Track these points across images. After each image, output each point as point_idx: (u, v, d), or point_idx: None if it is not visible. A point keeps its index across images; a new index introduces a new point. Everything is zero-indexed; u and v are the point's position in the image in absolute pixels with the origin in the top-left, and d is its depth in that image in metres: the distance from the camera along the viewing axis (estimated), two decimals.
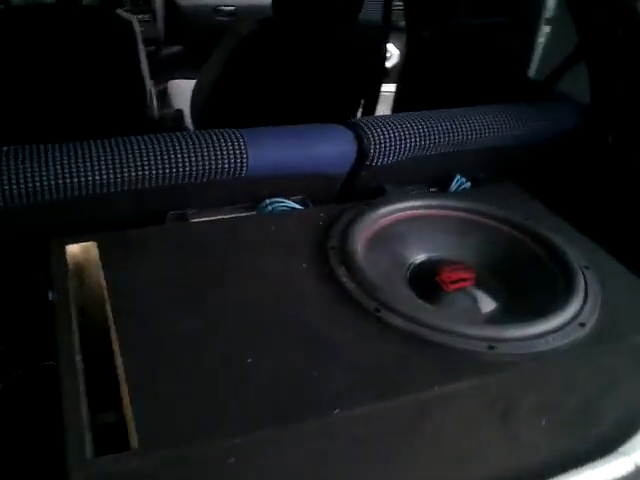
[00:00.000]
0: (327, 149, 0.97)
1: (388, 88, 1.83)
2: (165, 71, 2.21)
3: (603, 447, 0.86)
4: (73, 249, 0.82)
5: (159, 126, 1.83)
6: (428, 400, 0.68)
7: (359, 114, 1.82)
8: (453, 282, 0.86)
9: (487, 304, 0.87)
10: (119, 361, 0.67)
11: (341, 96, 1.73)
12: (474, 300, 0.87)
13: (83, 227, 0.85)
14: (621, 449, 0.87)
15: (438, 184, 1.11)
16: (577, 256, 0.89)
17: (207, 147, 0.88)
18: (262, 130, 0.95)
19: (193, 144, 0.88)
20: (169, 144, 0.86)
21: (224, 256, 0.83)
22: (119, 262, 0.80)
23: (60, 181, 0.81)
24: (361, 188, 1.04)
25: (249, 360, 0.68)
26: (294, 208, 0.97)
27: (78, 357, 0.66)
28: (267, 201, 0.96)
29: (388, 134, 0.99)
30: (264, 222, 0.90)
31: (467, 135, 1.04)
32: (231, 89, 1.57)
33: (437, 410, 0.70)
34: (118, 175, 0.84)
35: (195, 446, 0.59)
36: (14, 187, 0.79)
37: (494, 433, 0.77)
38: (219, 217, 0.93)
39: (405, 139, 1.00)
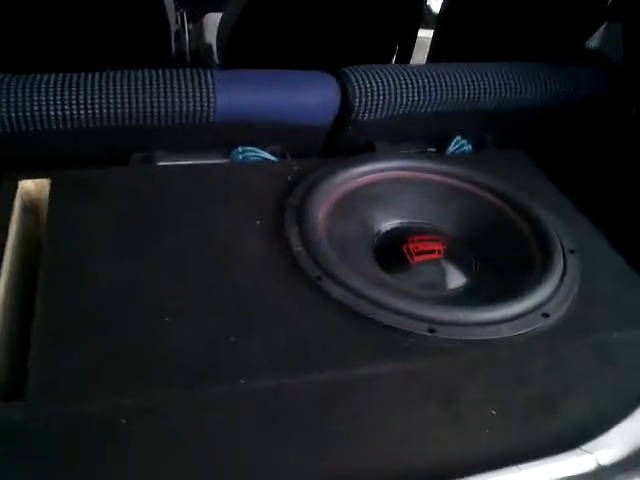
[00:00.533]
0: (306, 98, 0.90)
1: (426, 34, 1.70)
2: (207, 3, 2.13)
3: (565, 444, 0.79)
4: (27, 185, 0.81)
5: (183, 61, 1.78)
6: (354, 379, 0.64)
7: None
8: (419, 253, 0.80)
9: (455, 280, 0.80)
10: (37, 305, 0.65)
11: (373, 40, 1.62)
12: (441, 275, 0.80)
13: (46, 164, 0.83)
14: (584, 447, 0.80)
15: (438, 144, 1.03)
16: (566, 238, 0.80)
17: (172, 87, 0.83)
18: (236, 73, 0.88)
19: (157, 83, 0.83)
20: (131, 82, 0.82)
21: (177, 205, 0.79)
22: (67, 202, 0.77)
23: (15, 114, 0.79)
24: (348, 143, 0.96)
25: (167, 319, 0.65)
26: (267, 159, 0.91)
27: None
28: (240, 149, 0.91)
29: (377, 87, 0.91)
30: (229, 172, 0.85)
31: (467, 94, 0.95)
32: (253, 28, 1.50)
33: (365, 391, 0.65)
34: (74, 111, 0.80)
35: (85, 402, 0.57)
36: None
37: (435, 420, 0.71)
38: (186, 162, 0.89)
39: (395, 93, 0.91)
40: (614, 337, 0.71)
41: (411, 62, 1.71)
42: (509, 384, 0.71)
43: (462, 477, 0.73)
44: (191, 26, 2.08)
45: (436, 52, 1.64)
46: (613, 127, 0.99)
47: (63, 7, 1.30)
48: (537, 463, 0.77)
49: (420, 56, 1.73)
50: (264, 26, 1.48)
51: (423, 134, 1.00)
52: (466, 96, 0.95)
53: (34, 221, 0.82)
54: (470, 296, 0.77)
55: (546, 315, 0.70)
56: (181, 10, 1.87)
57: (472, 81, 0.95)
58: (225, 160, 0.92)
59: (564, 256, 0.78)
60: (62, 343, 0.61)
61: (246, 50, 1.52)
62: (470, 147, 1.01)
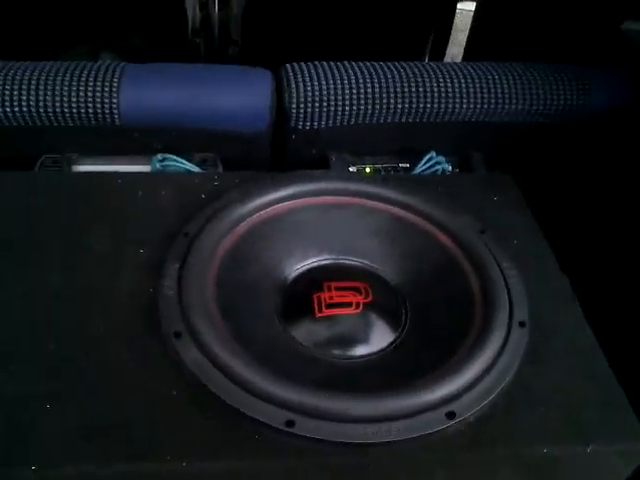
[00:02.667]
0: (231, 100, 0.76)
1: (466, 6, 1.48)
2: None
3: None
4: None
5: (210, 31, 1.66)
6: (175, 476, 0.51)
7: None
8: (331, 305, 0.65)
9: (370, 344, 0.65)
10: None
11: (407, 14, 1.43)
12: (353, 336, 0.66)
13: None
14: None
15: (412, 159, 0.86)
16: (521, 304, 0.63)
17: (69, 84, 0.71)
18: (148, 67, 0.75)
19: (55, 77, 0.71)
20: (26, 74, 0.71)
21: (58, 221, 0.69)
22: None
23: None
24: (297, 155, 0.81)
25: None
26: (189, 170, 0.78)
27: None
28: (159, 156, 0.78)
29: (319, 90, 0.75)
30: (136, 184, 0.73)
31: (438, 102, 0.76)
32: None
33: None
34: None
35: None
36: None
37: None
38: (99, 168, 0.78)
39: (344, 100, 0.75)
40: (545, 454, 0.53)
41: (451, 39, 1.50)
42: None
43: None
44: None
45: (479, 28, 1.42)
46: (631, 146, 0.78)
47: None
48: None
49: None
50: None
51: (390, 147, 0.83)
52: (435, 104, 0.77)
53: None
54: (380, 368, 0.62)
55: (451, 415, 0.53)
56: None
57: (445, 86, 0.77)
58: (146, 168, 0.80)
59: (508, 330, 0.60)
60: None
61: (263, 20, 1.38)
62: (447, 166, 0.83)
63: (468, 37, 1.46)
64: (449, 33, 1.47)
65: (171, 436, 0.51)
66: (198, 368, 0.55)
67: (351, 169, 0.83)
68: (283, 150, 0.82)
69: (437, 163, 0.83)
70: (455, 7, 1.47)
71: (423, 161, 0.83)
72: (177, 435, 0.51)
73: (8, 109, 0.72)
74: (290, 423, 0.52)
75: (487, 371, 0.57)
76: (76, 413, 0.52)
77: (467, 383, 0.55)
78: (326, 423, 0.52)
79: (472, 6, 1.50)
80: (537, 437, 0.54)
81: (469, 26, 1.48)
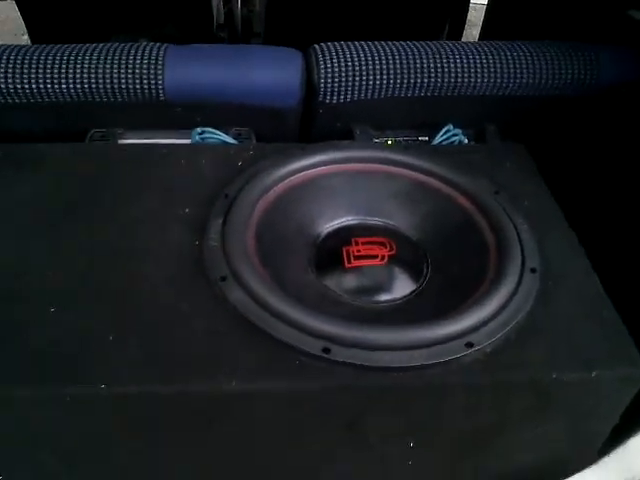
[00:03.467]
0: (265, 77, 0.83)
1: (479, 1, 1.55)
2: None
3: None
4: None
5: (233, 27, 1.74)
6: (227, 395, 0.58)
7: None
8: (358, 257, 0.72)
9: (396, 291, 0.72)
10: None
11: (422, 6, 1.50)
12: (380, 283, 0.72)
13: (6, 139, 0.82)
14: None
15: (430, 132, 0.92)
16: (532, 254, 0.69)
17: (118, 62, 0.79)
18: (189, 48, 0.83)
19: (105, 57, 0.79)
20: (77, 55, 0.79)
21: (111, 186, 0.76)
22: (6, 176, 0.76)
23: None
24: (324, 128, 0.88)
25: (52, 309, 0.62)
26: (226, 142, 0.85)
27: None
28: (198, 130, 0.86)
29: (345, 66, 0.82)
30: (179, 153, 0.80)
31: (455, 76, 0.83)
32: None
33: (242, 409, 0.59)
34: (28, 84, 0.78)
35: None
36: None
37: (336, 446, 0.64)
38: (143, 141, 0.85)
39: (367, 74, 0.82)
40: (554, 380, 0.60)
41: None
42: (424, 418, 0.62)
43: None
44: None
45: (492, 19, 1.48)
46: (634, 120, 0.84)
47: None
48: None
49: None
50: None
51: (411, 120, 0.90)
52: (453, 79, 0.83)
53: None
54: (405, 312, 0.68)
55: (470, 345, 0.60)
56: None
57: (461, 62, 0.83)
58: (186, 140, 0.87)
59: (521, 274, 0.67)
60: None
61: (285, 11, 1.45)
62: (463, 137, 0.90)
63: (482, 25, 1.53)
64: (463, 26, 1.54)
65: (221, 361, 0.58)
66: (242, 306, 0.62)
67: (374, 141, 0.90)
68: (311, 124, 0.88)
69: (454, 135, 0.90)
70: (469, 2, 1.53)
71: (441, 133, 0.89)
72: (227, 361, 0.58)
73: (64, 86, 0.79)
74: (326, 350, 0.59)
75: (502, 308, 0.63)
76: (137, 343, 0.59)
77: (484, 318, 0.61)
78: (357, 350, 0.59)
79: (485, 0, 1.56)
80: (546, 365, 0.60)
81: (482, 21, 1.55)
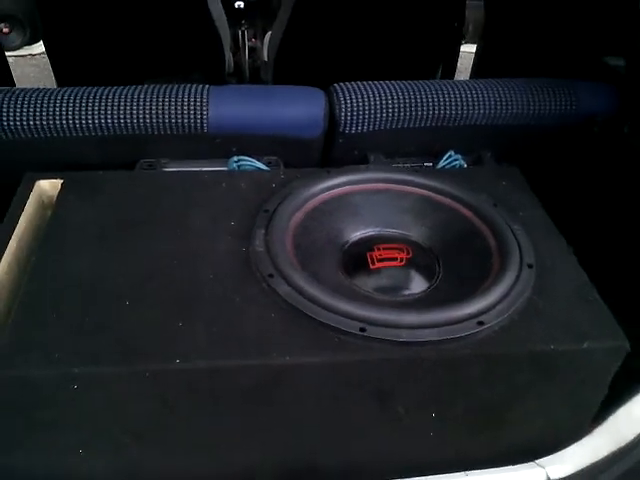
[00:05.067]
0: (294, 111, 0.97)
1: (468, 49, 1.73)
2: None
3: (517, 457, 0.81)
4: (44, 184, 0.93)
5: (241, 76, 1.90)
6: (283, 368, 0.69)
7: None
8: (381, 260, 0.84)
9: (414, 287, 0.84)
10: (23, 285, 0.76)
11: (415, 57, 1.67)
12: (400, 281, 0.84)
13: (64, 168, 0.95)
14: (538, 461, 0.81)
15: (435, 158, 1.06)
16: (528, 253, 0.82)
17: (169, 101, 0.93)
18: (228, 88, 0.97)
19: (156, 96, 0.93)
20: (132, 95, 0.93)
21: (166, 206, 0.88)
22: (72, 199, 0.88)
23: (34, 122, 0.91)
24: (342, 156, 1.02)
25: (127, 303, 0.73)
26: (259, 168, 0.99)
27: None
28: (235, 158, 0.99)
29: (362, 101, 0.96)
30: (220, 178, 0.93)
31: (455, 109, 0.97)
32: (297, 46, 1.59)
33: (294, 381, 0.70)
34: (83, 121, 0.92)
35: (44, 368, 0.66)
36: None
37: (370, 415, 0.75)
38: (185, 169, 0.98)
39: (380, 108, 0.96)
40: (552, 351, 0.72)
41: (456, 77, 1.74)
42: (444, 388, 0.74)
43: (405, 478, 0.77)
44: (259, 44, 2.20)
45: (480, 66, 1.66)
46: (606, 146, 0.98)
47: (117, 27, 1.46)
48: (485, 471, 0.79)
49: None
50: (308, 42, 1.57)
51: (417, 148, 1.04)
52: (453, 111, 0.98)
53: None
54: (424, 302, 0.80)
55: (481, 323, 0.72)
56: (242, 29, 1.99)
57: (459, 97, 0.98)
58: (223, 168, 1.00)
59: (520, 269, 0.79)
60: (36, 318, 0.71)
61: (292, 64, 1.61)
62: (462, 162, 1.03)
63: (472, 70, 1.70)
64: (454, 69, 1.71)
65: (275, 341, 0.70)
66: (289, 297, 0.74)
67: None
68: (331, 152, 1.02)
69: (455, 160, 1.04)
70: (458, 51, 1.71)
71: (444, 158, 1.03)
72: (279, 340, 0.70)
73: (122, 121, 0.93)
74: (362, 329, 0.70)
75: (505, 296, 0.75)
76: (202, 328, 0.71)
77: (491, 302, 0.74)
78: (388, 329, 0.71)
79: (472, 48, 1.75)
80: (545, 339, 0.72)
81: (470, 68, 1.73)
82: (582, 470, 0.78)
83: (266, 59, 1.99)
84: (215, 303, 0.74)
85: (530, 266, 0.80)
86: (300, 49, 1.59)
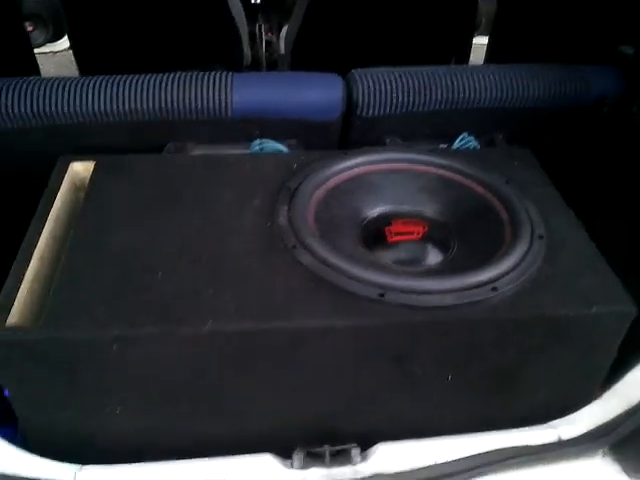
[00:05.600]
0: (313, 95, 1.02)
1: (481, 41, 1.76)
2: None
3: (531, 419, 0.85)
4: (77, 166, 0.98)
5: (259, 69, 1.95)
6: (308, 331, 0.74)
7: None
8: (398, 233, 0.89)
9: (430, 258, 0.88)
10: (63, 256, 0.81)
11: (429, 47, 1.71)
12: (417, 253, 0.89)
13: (96, 152, 1.00)
14: (550, 423, 0.85)
15: (450, 140, 1.10)
16: (539, 226, 0.86)
17: (195, 87, 0.97)
18: (254, 75, 1.02)
19: (183, 83, 0.98)
20: (160, 82, 0.98)
21: (194, 185, 0.93)
22: (104, 179, 0.93)
23: (68, 109, 0.97)
24: (360, 139, 1.06)
25: (160, 274, 0.78)
26: (281, 150, 1.03)
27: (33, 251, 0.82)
28: (257, 141, 1.04)
29: (379, 86, 1.00)
30: (244, 160, 0.98)
31: (466, 93, 1.02)
32: (313, 38, 1.63)
33: (316, 343, 0.75)
34: (114, 106, 0.97)
35: (86, 330, 0.71)
36: (28, 110, 0.96)
37: (388, 378, 0.80)
38: (211, 152, 1.03)
39: (396, 92, 1.00)
40: (562, 315, 0.75)
41: None
42: (460, 352, 0.78)
43: (422, 438, 0.81)
44: (275, 38, 2.25)
45: (492, 58, 1.69)
46: (619, 126, 1.02)
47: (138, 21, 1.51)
48: (500, 432, 0.83)
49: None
50: (323, 36, 1.61)
51: (432, 131, 1.08)
52: (465, 95, 1.02)
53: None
54: (440, 271, 0.84)
55: (494, 289, 0.76)
56: (259, 24, 2.04)
57: (472, 81, 1.02)
58: (246, 151, 1.05)
59: (531, 240, 0.83)
60: (76, 285, 0.76)
61: (309, 56, 1.66)
62: (476, 144, 1.07)
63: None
64: (467, 60, 1.74)
65: (300, 305, 0.74)
66: (312, 265, 0.78)
67: None
68: (349, 135, 1.07)
69: (469, 142, 1.08)
70: (471, 42, 1.75)
71: (458, 140, 1.07)
72: (304, 305, 0.74)
73: (150, 106, 0.98)
74: (382, 294, 0.75)
75: (518, 264, 0.79)
76: (231, 295, 0.75)
77: (505, 270, 0.78)
78: (406, 295, 0.75)
79: (485, 40, 1.78)
80: (556, 304, 0.76)
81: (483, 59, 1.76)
82: (591, 431, 0.81)
83: (283, 52, 2.04)
84: (243, 273, 0.79)
85: (541, 237, 0.84)
86: (315, 42, 1.64)
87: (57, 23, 2.32)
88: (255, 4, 1.99)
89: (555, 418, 0.85)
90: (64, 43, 2.48)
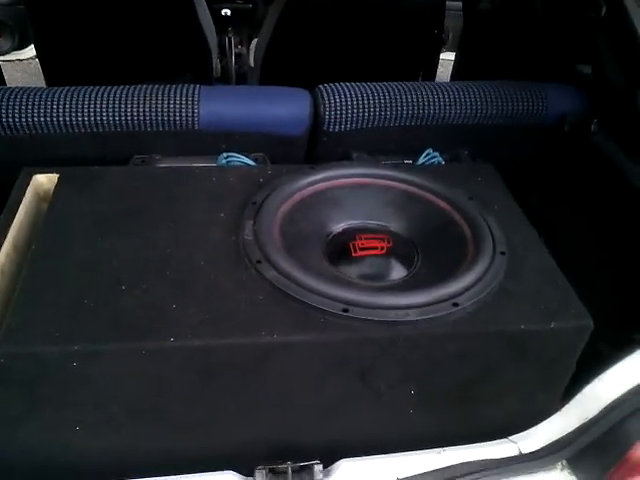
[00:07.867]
0: (280, 110, 1.02)
1: (449, 57, 1.80)
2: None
3: (498, 434, 0.85)
4: (40, 178, 0.97)
5: (229, 81, 1.95)
6: (271, 346, 0.74)
7: None
8: (362, 248, 0.89)
9: (394, 273, 0.89)
10: (23, 271, 0.80)
11: (396, 64, 1.73)
12: (381, 268, 0.89)
13: (60, 164, 0.99)
14: (512, 437, 0.86)
15: (415, 156, 1.12)
16: (501, 242, 0.87)
17: (162, 99, 0.97)
18: (220, 88, 1.02)
19: (150, 96, 0.98)
20: (127, 94, 0.97)
21: (160, 199, 0.92)
22: (68, 192, 0.92)
23: (32, 119, 0.96)
24: (327, 154, 1.07)
25: (123, 287, 0.78)
26: (247, 164, 1.04)
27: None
28: (224, 154, 1.04)
29: (345, 101, 1.02)
30: (210, 173, 0.98)
31: (431, 109, 1.03)
32: (283, 50, 1.64)
33: (282, 358, 0.75)
34: (79, 118, 0.96)
35: (44, 346, 0.70)
36: None
37: (352, 392, 0.80)
38: (178, 165, 1.02)
39: (363, 108, 1.02)
40: (522, 330, 0.77)
41: None
42: (422, 366, 0.79)
43: (384, 454, 0.82)
44: (245, 50, 2.25)
45: (459, 73, 1.72)
46: (578, 144, 1.05)
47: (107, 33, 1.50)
48: (461, 447, 0.84)
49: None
50: (292, 50, 1.62)
51: (398, 146, 1.09)
52: (431, 111, 1.03)
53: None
54: (403, 286, 0.85)
55: (455, 305, 0.77)
56: (229, 36, 2.04)
57: (438, 97, 1.04)
58: (213, 164, 1.05)
59: (493, 256, 0.85)
60: (37, 300, 0.75)
61: (278, 70, 1.66)
62: (441, 159, 1.09)
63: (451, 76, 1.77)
64: (434, 75, 1.77)
65: (264, 321, 0.74)
66: (276, 281, 0.78)
67: None
68: (315, 150, 1.08)
69: (433, 157, 1.09)
70: (438, 59, 1.78)
71: (423, 155, 1.09)
72: (268, 320, 0.74)
73: (117, 118, 0.97)
74: (345, 310, 0.75)
75: (479, 280, 0.81)
76: (195, 310, 0.75)
77: (465, 285, 0.79)
78: (369, 310, 0.76)
79: (452, 56, 1.82)
80: (516, 319, 0.77)
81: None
82: (550, 444, 0.83)
83: (252, 65, 2.05)
84: (207, 287, 0.78)
85: (502, 253, 0.86)
86: (285, 56, 1.65)
87: (23, 31, 2.29)
88: (225, 16, 1.99)
89: (515, 432, 0.86)
90: (30, 51, 2.45)
